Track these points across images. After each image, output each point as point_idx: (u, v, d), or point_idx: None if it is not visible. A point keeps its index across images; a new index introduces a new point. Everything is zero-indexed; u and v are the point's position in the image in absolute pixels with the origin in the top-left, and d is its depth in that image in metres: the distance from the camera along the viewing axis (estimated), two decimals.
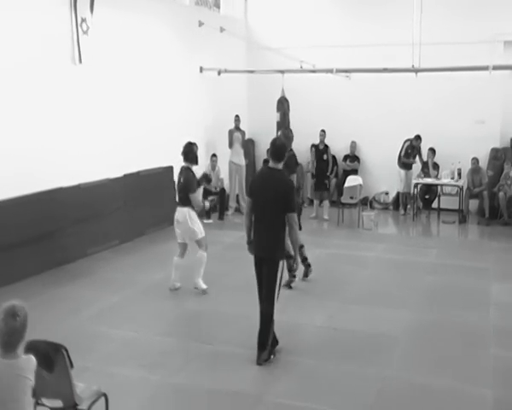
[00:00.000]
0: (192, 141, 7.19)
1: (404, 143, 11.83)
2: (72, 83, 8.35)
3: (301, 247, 7.43)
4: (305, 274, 7.55)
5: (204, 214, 8.55)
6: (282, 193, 5.13)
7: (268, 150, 5.40)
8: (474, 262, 8.50)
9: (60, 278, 7.50)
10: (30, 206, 7.50)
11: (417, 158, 11.93)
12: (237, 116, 11.94)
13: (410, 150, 11.81)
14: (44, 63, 7.85)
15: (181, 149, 7.02)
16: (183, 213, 6.84)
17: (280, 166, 5.30)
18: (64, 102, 8.22)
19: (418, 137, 11.68)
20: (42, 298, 6.68)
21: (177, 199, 7.16)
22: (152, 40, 10.11)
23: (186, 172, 6.89)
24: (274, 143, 5.39)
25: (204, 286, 6.96)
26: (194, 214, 6.90)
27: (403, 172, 11.88)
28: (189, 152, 6.95)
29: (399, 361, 5.25)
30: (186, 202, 6.83)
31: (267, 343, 5.22)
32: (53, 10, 8.04)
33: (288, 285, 7.03)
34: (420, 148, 11.84)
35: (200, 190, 7.13)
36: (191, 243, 7.07)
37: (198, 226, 6.94)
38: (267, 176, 5.33)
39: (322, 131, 12.02)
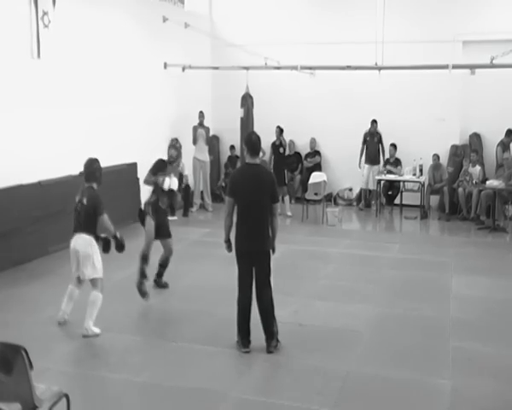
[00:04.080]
0: (93, 157, 5.87)
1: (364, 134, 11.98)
2: (30, 78, 8.14)
3: (145, 259, 6.56)
4: (141, 291, 6.51)
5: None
6: (268, 185, 5.20)
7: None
8: (434, 256, 8.71)
9: (18, 278, 7.31)
10: None
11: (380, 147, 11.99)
12: (201, 112, 11.88)
13: (369, 137, 11.93)
14: (0, 58, 7.63)
15: (95, 164, 5.79)
16: (85, 241, 5.65)
17: (258, 160, 5.29)
18: (22, 98, 8.01)
19: (374, 121, 11.79)
20: None
21: (74, 225, 5.84)
22: (115, 35, 9.95)
23: (89, 190, 5.69)
24: (250, 138, 5.30)
25: (96, 330, 5.60)
26: (96, 246, 5.71)
27: (365, 167, 12.01)
28: (95, 171, 5.73)
29: (362, 355, 5.33)
30: (89, 227, 5.67)
31: (274, 330, 5.29)
32: (12, 3, 7.83)
33: (141, 289, 6.46)
34: (377, 134, 11.89)
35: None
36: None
37: (98, 262, 5.70)
38: (249, 173, 5.25)
39: (277, 127, 12.06)
